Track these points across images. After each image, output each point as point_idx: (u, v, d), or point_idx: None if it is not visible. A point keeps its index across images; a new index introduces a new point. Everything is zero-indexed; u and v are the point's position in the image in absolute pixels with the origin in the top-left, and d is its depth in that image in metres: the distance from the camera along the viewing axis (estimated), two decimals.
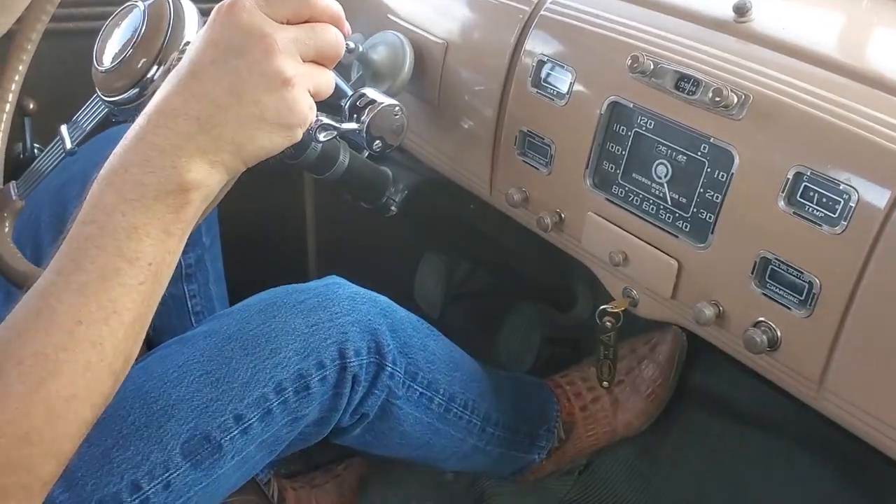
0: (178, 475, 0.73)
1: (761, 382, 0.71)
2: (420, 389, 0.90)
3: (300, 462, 1.22)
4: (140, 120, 0.54)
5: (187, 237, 0.56)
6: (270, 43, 0.53)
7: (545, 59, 0.80)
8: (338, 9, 0.57)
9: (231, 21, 0.53)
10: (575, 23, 0.78)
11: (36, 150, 1.06)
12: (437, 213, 1.09)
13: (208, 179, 0.54)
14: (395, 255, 1.31)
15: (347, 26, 0.58)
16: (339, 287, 0.84)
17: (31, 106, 1.01)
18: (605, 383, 0.92)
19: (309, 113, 0.56)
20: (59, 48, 0.96)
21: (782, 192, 0.62)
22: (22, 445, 0.50)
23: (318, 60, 0.57)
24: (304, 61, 0.55)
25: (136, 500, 0.70)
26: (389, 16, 0.97)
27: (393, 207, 0.98)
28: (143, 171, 0.52)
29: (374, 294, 0.87)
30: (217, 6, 0.54)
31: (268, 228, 1.31)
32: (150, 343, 1.01)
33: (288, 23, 0.55)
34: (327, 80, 0.58)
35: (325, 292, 0.83)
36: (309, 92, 0.56)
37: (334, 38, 0.57)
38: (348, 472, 1.22)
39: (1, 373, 0.49)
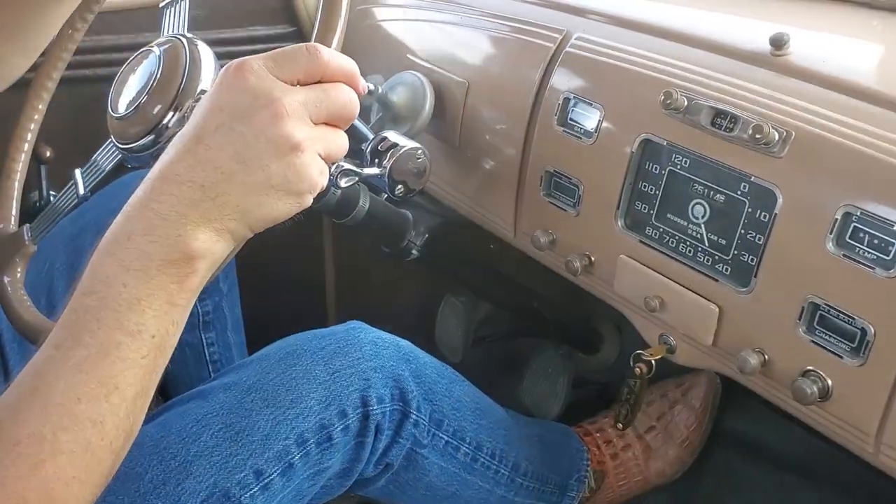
0: None
1: (800, 426, 0.67)
2: (446, 438, 0.86)
3: None
4: (143, 186, 0.52)
5: (191, 308, 0.53)
6: (279, 108, 0.50)
7: (571, 96, 0.78)
8: (351, 67, 0.55)
9: (238, 84, 0.51)
10: (603, 59, 0.75)
11: (52, 198, 1.04)
12: (457, 255, 1.07)
13: (214, 248, 0.52)
14: (415, 298, 1.28)
15: (363, 83, 0.56)
16: (360, 332, 0.81)
17: (48, 154, 0.99)
18: (619, 425, 0.88)
19: (319, 178, 0.54)
20: (75, 95, 0.95)
21: (830, 233, 0.59)
22: None
23: (330, 122, 0.54)
24: (315, 124, 0.53)
25: None
26: (409, 55, 0.95)
27: (414, 251, 0.95)
28: (147, 239, 0.50)
29: (397, 339, 0.85)
30: (224, 67, 0.52)
31: (286, 272, 1.28)
32: (166, 394, 0.99)
33: (299, 84, 0.52)
34: (340, 143, 0.55)
35: (346, 338, 0.80)
36: (320, 156, 0.53)
37: (348, 99, 0.54)
38: None
39: None
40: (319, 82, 0.54)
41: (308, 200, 0.54)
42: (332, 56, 0.54)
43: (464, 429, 0.88)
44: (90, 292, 0.50)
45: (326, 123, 0.54)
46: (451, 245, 1.00)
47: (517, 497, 0.96)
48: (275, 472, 0.72)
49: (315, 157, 0.53)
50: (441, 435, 0.86)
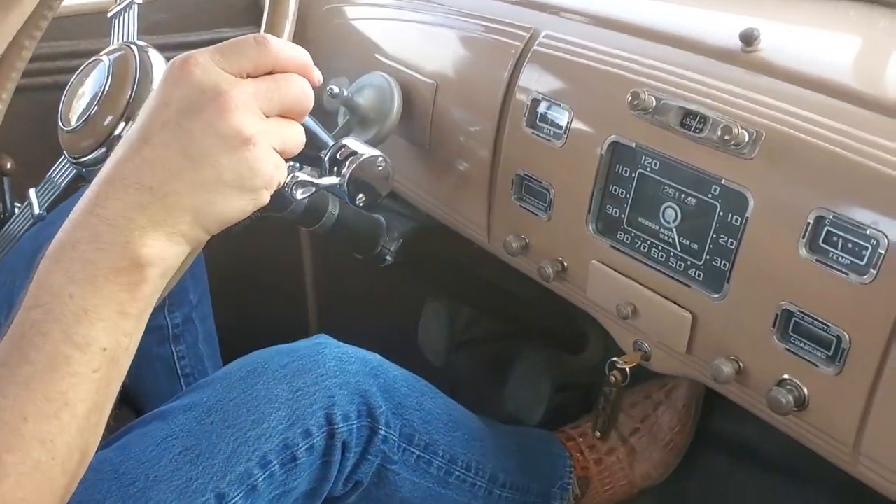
0: None
1: None
2: (417, 452, 0.84)
3: None
4: (89, 191, 0.49)
5: (147, 316, 0.50)
6: (227, 100, 0.48)
7: (540, 96, 0.75)
8: (303, 56, 0.52)
9: (184, 78, 0.48)
10: (570, 57, 0.73)
11: (16, 209, 1.02)
12: (435, 258, 1.04)
13: (165, 253, 0.49)
14: (397, 303, 1.26)
15: (317, 74, 0.53)
16: (324, 348, 0.79)
17: (9, 165, 0.97)
18: (597, 433, 0.86)
19: (275, 173, 0.51)
20: (35, 103, 0.92)
21: (803, 237, 0.57)
22: None
23: (284, 115, 0.52)
24: (268, 116, 0.50)
25: None
26: (376, 55, 0.93)
27: (388, 257, 0.93)
28: (93, 247, 0.47)
29: (365, 352, 0.82)
30: (170, 62, 0.50)
31: (264, 279, 1.26)
32: (139, 410, 0.97)
33: (248, 76, 0.50)
34: (295, 136, 0.52)
35: (310, 354, 0.77)
36: (276, 150, 0.51)
37: (301, 90, 0.52)
38: None
39: None
40: (271, 74, 0.51)
41: (264, 197, 0.51)
42: (283, 46, 0.51)
43: (436, 442, 0.86)
44: (36, 305, 0.47)
45: (281, 116, 0.51)
46: (426, 249, 0.98)
47: None
48: (237, 495, 0.70)
49: (269, 151, 0.50)
50: (412, 450, 0.83)
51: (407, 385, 0.84)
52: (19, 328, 0.47)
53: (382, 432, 0.79)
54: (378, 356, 0.83)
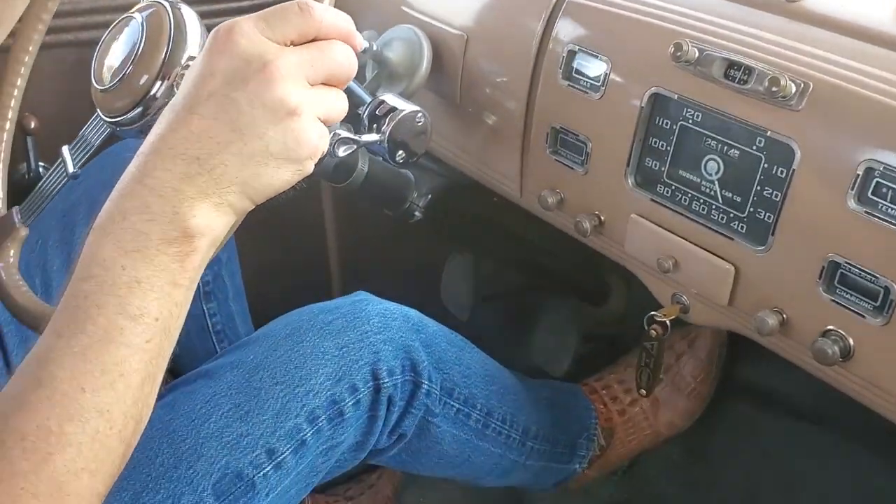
0: None
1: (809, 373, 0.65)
2: (457, 406, 0.85)
3: None
4: (136, 161, 0.49)
5: (195, 287, 0.51)
6: (272, 70, 0.47)
7: (576, 48, 0.74)
8: (347, 23, 0.52)
9: (228, 48, 0.48)
10: (608, 8, 0.72)
11: (41, 170, 1.01)
12: (463, 213, 1.04)
13: (214, 223, 0.49)
14: (419, 258, 1.26)
15: (359, 39, 0.53)
16: (367, 304, 0.79)
17: (33, 124, 0.96)
18: (642, 391, 0.86)
19: (319, 143, 0.51)
20: (57, 61, 0.91)
21: (851, 189, 0.56)
22: None
23: (327, 83, 0.51)
24: (312, 85, 0.50)
25: None
26: (404, 8, 0.91)
27: (417, 213, 0.93)
28: (143, 218, 0.48)
29: (406, 309, 0.83)
30: (213, 31, 0.49)
31: (287, 238, 1.26)
32: (173, 369, 0.98)
33: (292, 44, 0.49)
34: (339, 105, 0.52)
35: (353, 311, 0.78)
36: (319, 119, 0.51)
37: (344, 58, 0.51)
38: (382, 481, 1.18)
39: (4, 450, 0.45)
40: (314, 41, 0.51)
41: (309, 167, 0.51)
42: (326, 12, 0.50)
43: (474, 396, 0.87)
44: (88, 276, 0.48)
45: (323, 84, 0.51)
46: (455, 205, 0.98)
47: (528, 460, 0.96)
48: (287, 450, 0.71)
49: (314, 121, 0.50)
50: (452, 403, 0.84)
51: (446, 340, 0.85)
52: (72, 300, 0.48)
53: (425, 386, 0.80)
54: (417, 312, 0.84)
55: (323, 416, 0.73)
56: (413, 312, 0.83)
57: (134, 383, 0.48)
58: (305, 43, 0.50)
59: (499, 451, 0.92)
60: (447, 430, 0.85)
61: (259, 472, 0.70)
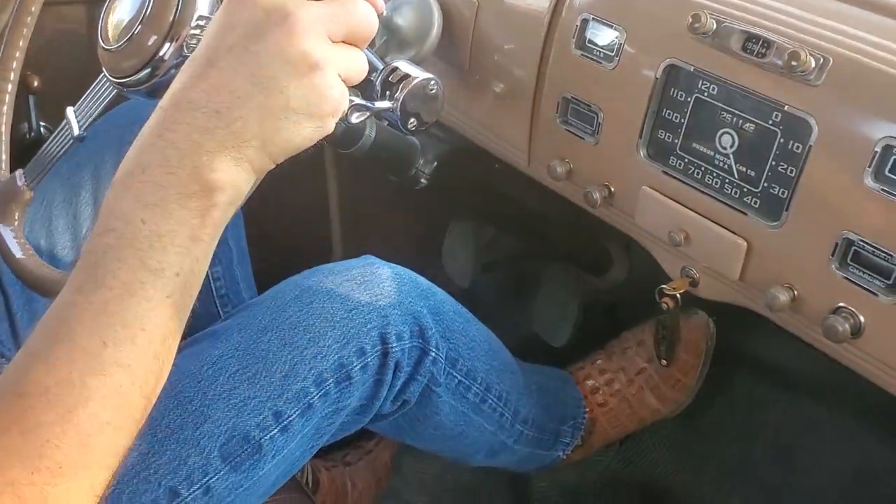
0: (217, 479, 0.69)
1: (807, 346, 0.65)
2: (459, 377, 0.85)
3: None
4: (155, 115, 0.48)
5: (215, 244, 0.50)
6: (294, 23, 0.46)
7: (590, 17, 0.73)
8: None
9: (249, 0, 0.47)
10: None
11: (42, 130, 1.00)
12: (463, 180, 1.03)
13: (235, 179, 0.48)
14: (420, 224, 1.26)
15: (381, 2, 0.52)
16: (377, 267, 0.79)
17: (36, 83, 0.94)
18: (663, 361, 0.86)
19: (341, 100, 0.50)
20: (60, 19, 0.89)
21: (869, 166, 0.56)
22: (57, 480, 0.45)
23: (348, 40, 0.50)
24: (333, 42, 0.49)
25: None
26: None
27: (423, 180, 0.92)
28: (162, 171, 0.47)
29: (415, 275, 0.82)
30: None
31: (289, 203, 1.25)
32: None
33: None
34: (359, 63, 0.51)
35: (362, 274, 0.77)
36: (340, 76, 0.49)
37: (366, 16, 0.50)
38: (380, 447, 1.19)
39: (28, 401, 0.45)
40: None
41: (331, 125, 0.50)
42: None
43: (476, 369, 0.87)
44: (108, 230, 0.47)
45: (343, 42, 0.50)
46: (457, 171, 0.97)
47: (516, 444, 0.96)
48: (294, 412, 0.71)
49: (335, 78, 0.49)
50: (455, 374, 0.84)
51: (453, 310, 0.85)
52: (91, 255, 0.47)
53: (433, 353, 0.80)
54: (426, 279, 0.83)
55: (330, 379, 0.72)
56: (421, 278, 0.83)
57: (155, 338, 0.48)
58: None
59: (491, 429, 0.92)
60: (447, 401, 0.85)
61: (266, 435, 0.70)
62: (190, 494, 0.67)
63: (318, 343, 0.72)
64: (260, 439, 0.70)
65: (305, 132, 0.49)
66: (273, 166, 0.51)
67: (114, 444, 0.47)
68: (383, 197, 1.19)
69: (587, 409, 1.05)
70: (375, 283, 0.77)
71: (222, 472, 0.69)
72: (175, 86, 0.48)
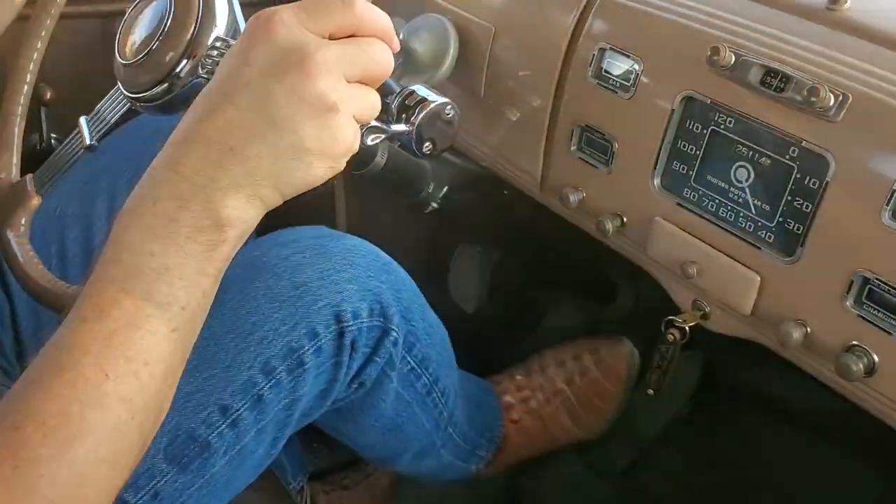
0: (165, 482, 0.66)
1: (813, 381, 0.65)
2: (412, 363, 0.81)
3: (327, 458, 1.17)
4: (166, 149, 0.48)
5: (220, 279, 0.49)
6: (312, 64, 0.46)
7: (608, 46, 0.73)
8: (387, 22, 0.50)
9: (268, 37, 0.46)
10: (644, 8, 0.71)
11: (53, 142, 1.00)
12: (476, 205, 1.03)
13: (245, 215, 0.48)
14: (428, 248, 1.25)
15: (397, 41, 0.52)
16: (329, 239, 0.74)
17: (48, 95, 0.94)
18: (649, 391, 0.85)
19: (354, 141, 0.49)
20: (75, 33, 0.90)
21: (887, 204, 0.56)
22: None
23: (363, 81, 0.50)
24: (348, 82, 0.49)
25: None
26: None
27: (434, 203, 0.92)
28: (174, 205, 0.46)
29: (375, 247, 0.77)
30: (253, 17, 0.48)
31: (297, 224, 1.25)
32: None
33: (331, 38, 0.48)
34: (374, 104, 0.51)
35: (312, 246, 0.72)
36: (354, 117, 0.49)
37: (382, 57, 0.50)
38: (380, 471, 1.18)
39: (23, 434, 0.43)
40: (351, 36, 0.49)
41: (342, 164, 0.50)
42: (367, 8, 0.49)
43: (429, 358, 0.82)
44: (115, 260, 0.47)
45: (358, 82, 0.50)
46: (471, 197, 0.97)
47: (443, 449, 0.93)
48: (242, 406, 0.67)
49: (350, 119, 0.49)
50: (409, 359, 0.80)
51: (413, 291, 0.80)
52: (98, 284, 0.47)
53: (394, 334, 0.75)
54: (388, 256, 0.78)
55: (281, 367, 0.68)
56: (382, 253, 0.77)
57: (157, 373, 0.47)
58: (344, 38, 0.49)
59: (428, 427, 0.87)
60: (394, 388, 0.80)
61: (213, 432, 0.66)
62: (138, 501, 0.65)
63: (263, 326, 0.67)
64: (207, 437, 0.66)
65: (318, 172, 0.49)
66: (282, 202, 0.50)
67: (109, 482, 0.46)
68: (391, 218, 1.19)
69: (502, 425, 1.02)
70: (327, 256, 0.71)
71: (169, 475, 0.66)
72: (189, 118, 0.48)
